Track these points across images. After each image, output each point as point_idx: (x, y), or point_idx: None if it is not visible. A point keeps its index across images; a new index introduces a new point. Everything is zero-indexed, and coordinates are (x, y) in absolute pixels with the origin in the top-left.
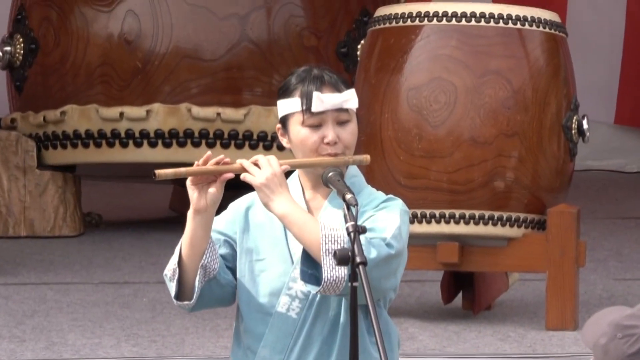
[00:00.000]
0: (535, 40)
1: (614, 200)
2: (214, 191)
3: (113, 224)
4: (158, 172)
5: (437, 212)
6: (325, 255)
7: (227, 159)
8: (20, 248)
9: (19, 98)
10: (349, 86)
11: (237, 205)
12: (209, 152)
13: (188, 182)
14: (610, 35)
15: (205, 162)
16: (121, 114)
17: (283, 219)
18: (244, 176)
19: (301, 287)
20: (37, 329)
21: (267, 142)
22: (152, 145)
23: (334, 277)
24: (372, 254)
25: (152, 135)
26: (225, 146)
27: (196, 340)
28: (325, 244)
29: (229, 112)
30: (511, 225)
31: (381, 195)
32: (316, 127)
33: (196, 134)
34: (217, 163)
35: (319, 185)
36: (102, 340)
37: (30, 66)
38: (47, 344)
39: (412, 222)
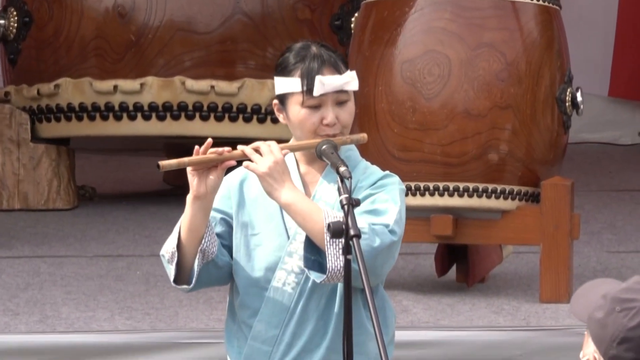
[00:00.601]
0: (528, 13)
1: (608, 172)
2: (214, 177)
3: (107, 197)
4: (162, 163)
5: (431, 185)
6: (330, 245)
7: (228, 148)
8: (14, 221)
9: (13, 71)
10: (346, 64)
11: (231, 179)
12: (209, 139)
13: (188, 169)
14: (604, 7)
15: (206, 150)
16: (115, 87)
17: (287, 208)
18: (246, 164)
19: (297, 261)
20: (31, 302)
21: (261, 115)
22: (146, 118)
23: (339, 267)
24: (376, 242)
25: (145, 108)
26: (219, 119)
27: (190, 312)
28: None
29: (222, 85)
30: (505, 198)
31: (377, 170)
32: (315, 107)
33: (190, 107)
34: (219, 153)
35: (314, 159)
36: (96, 313)
37: (24, 39)
38: (40, 317)
39: (406, 195)
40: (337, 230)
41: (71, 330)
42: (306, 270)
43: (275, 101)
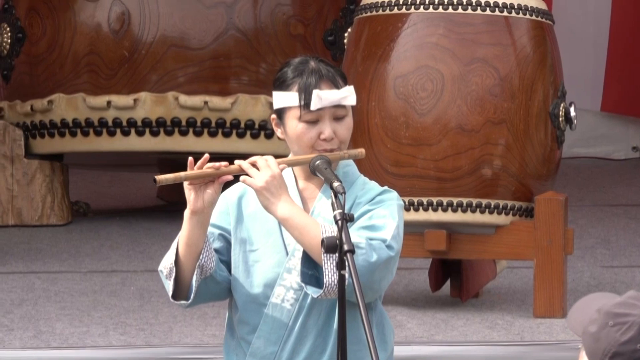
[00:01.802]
0: (522, 28)
1: (602, 187)
2: (211, 192)
3: (101, 213)
4: (158, 178)
5: (424, 200)
6: (327, 260)
7: (225, 162)
8: (8, 237)
9: (6, 87)
10: (345, 80)
11: (229, 195)
12: (206, 155)
13: (185, 183)
14: (596, 22)
15: (203, 164)
16: (108, 102)
17: (284, 222)
18: (243, 179)
19: (296, 278)
20: (25, 318)
21: (254, 130)
22: (140, 134)
23: (336, 282)
24: (373, 257)
25: (139, 124)
26: (212, 135)
27: (184, 328)
28: None
29: (216, 101)
30: (499, 213)
31: (375, 186)
32: (313, 122)
33: (183, 123)
34: (216, 168)
35: (313, 175)
36: (90, 328)
37: (18, 55)
38: (35, 333)
39: None
40: (331, 246)
41: (65, 346)
42: (303, 284)
43: (273, 116)
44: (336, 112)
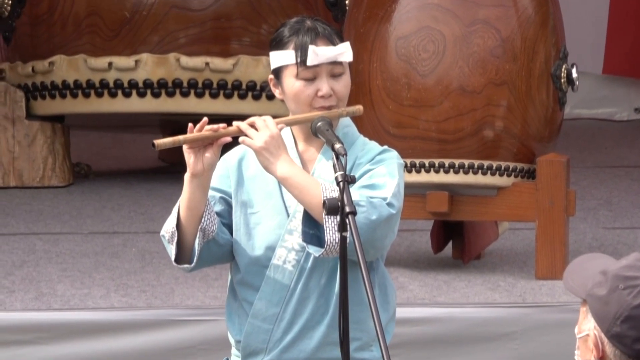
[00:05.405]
0: None
1: (604, 149)
2: (211, 155)
3: (102, 174)
4: (157, 142)
5: (426, 162)
6: (327, 218)
7: (224, 124)
8: (9, 198)
9: (7, 49)
10: (341, 38)
11: (229, 158)
12: (205, 118)
13: (184, 147)
14: None
15: (202, 127)
16: (110, 64)
17: (284, 182)
18: (242, 139)
19: (297, 239)
20: (27, 280)
21: (256, 91)
22: (141, 95)
23: (337, 240)
24: (373, 215)
25: (140, 85)
26: (214, 96)
27: (186, 290)
28: None
29: (217, 62)
30: (501, 175)
31: (375, 145)
32: (310, 80)
33: (185, 84)
34: (215, 130)
35: (312, 137)
36: (92, 290)
37: (19, 17)
38: (36, 295)
39: None
40: (333, 207)
41: (67, 308)
42: (305, 244)
43: (271, 76)
44: (333, 69)
